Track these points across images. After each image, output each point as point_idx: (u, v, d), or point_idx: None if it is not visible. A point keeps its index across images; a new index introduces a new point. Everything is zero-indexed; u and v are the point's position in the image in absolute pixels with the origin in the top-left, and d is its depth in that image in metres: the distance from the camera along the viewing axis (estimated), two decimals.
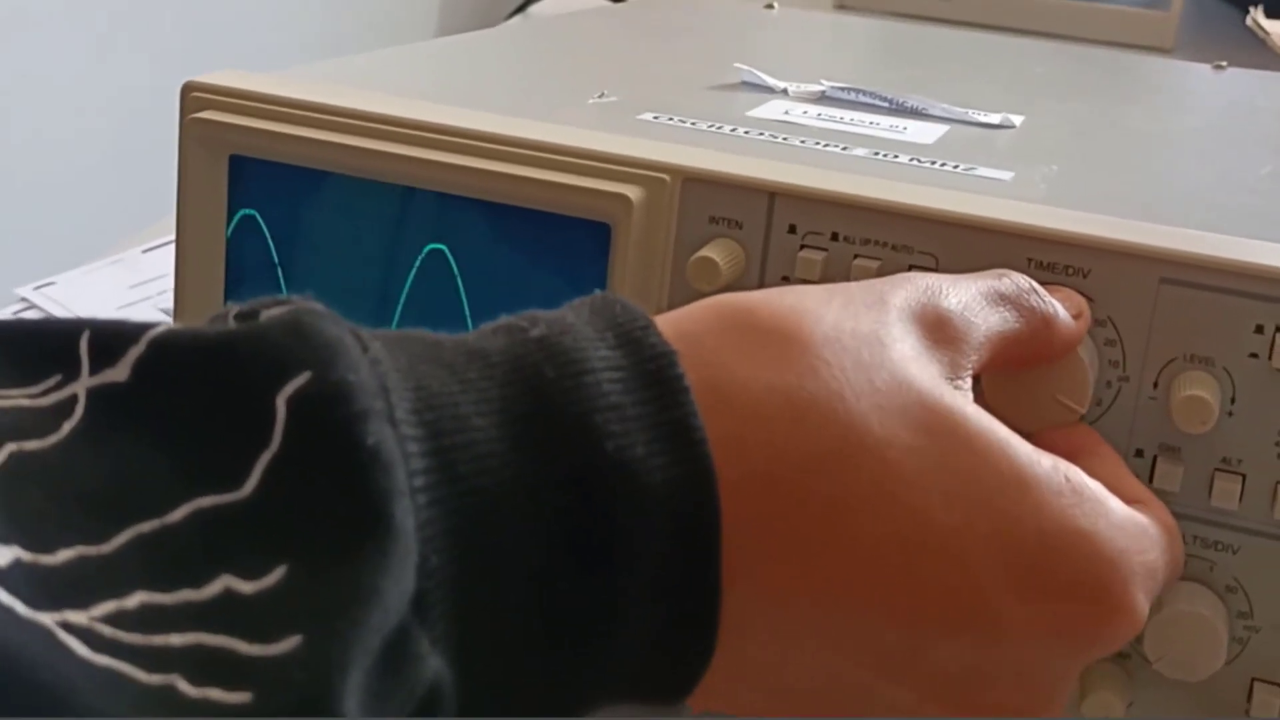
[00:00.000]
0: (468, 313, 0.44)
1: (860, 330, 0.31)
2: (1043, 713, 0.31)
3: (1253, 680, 0.39)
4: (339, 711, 0.21)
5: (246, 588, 0.22)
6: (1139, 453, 0.39)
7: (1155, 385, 0.38)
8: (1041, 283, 0.37)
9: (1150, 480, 0.38)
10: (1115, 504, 0.32)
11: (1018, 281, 0.35)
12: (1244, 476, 0.38)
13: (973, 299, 0.34)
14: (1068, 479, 0.31)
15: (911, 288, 0.33)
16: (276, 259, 0.46)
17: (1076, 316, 0.37)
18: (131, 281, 0.81)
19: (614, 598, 0.27)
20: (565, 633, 0.26)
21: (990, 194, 0.41)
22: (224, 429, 0.23)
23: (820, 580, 0.29)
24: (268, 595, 0.22)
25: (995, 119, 0.52)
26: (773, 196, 0.41)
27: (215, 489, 0.22)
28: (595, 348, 0.28)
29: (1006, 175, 0.45)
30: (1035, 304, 0.35)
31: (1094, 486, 0.31)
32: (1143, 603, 0.31)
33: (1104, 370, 0.38)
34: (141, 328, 0.24)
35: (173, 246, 0.48)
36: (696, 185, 0.41)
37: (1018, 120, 0.53)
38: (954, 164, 0.45)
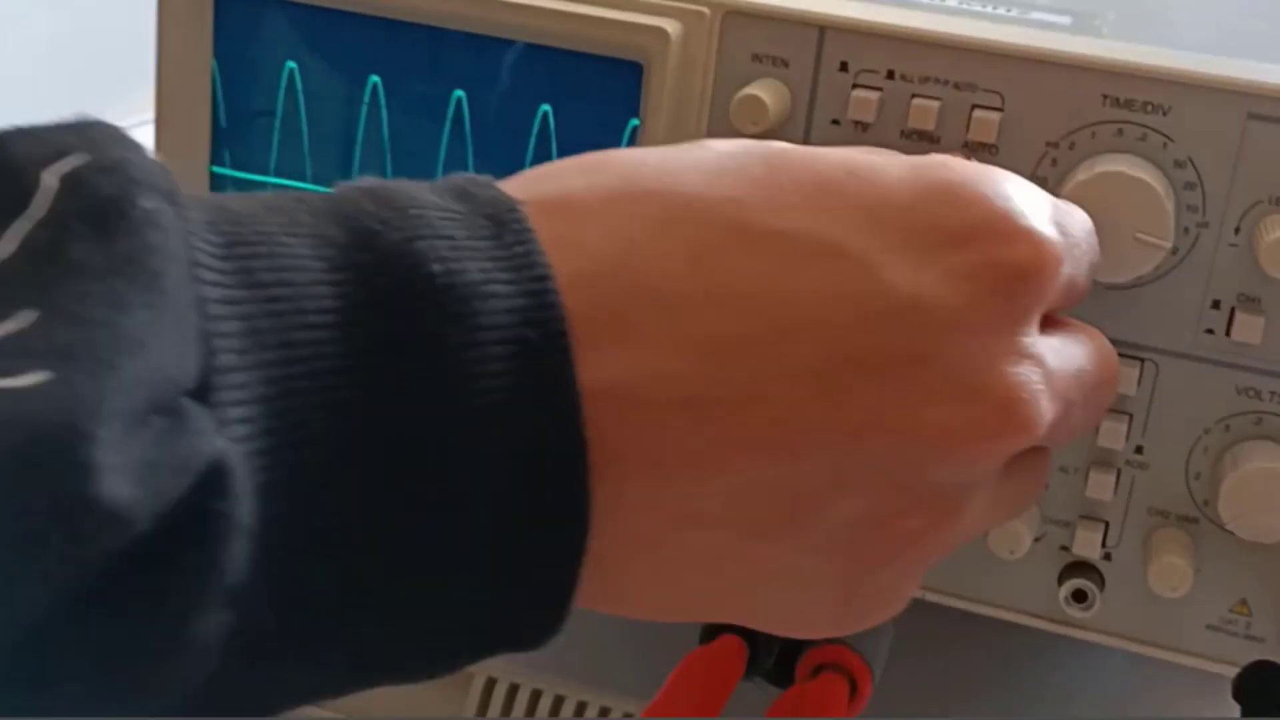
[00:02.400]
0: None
1: (673, 146, 0.30)
2: (1008, 398, 0.27)
3: None
4: (90, 457, 0.19)
5: None
6: (1215, 303, 0.36)
7: (1237, 231, 0.36)
8: (1118, 122, 0.34)
9: (1228, 333, 0.36)
10: (995, 168, 0.30)
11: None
12: None
13: None
14: (927, 159, 0.29)
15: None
16: (278, 108, 0.42)
17: None
18: None
19: (452, 430, 0.24)
20: (392, 464, 0.24)
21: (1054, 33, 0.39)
22: None
23: (705, 330, 0.26)
24: (14, 337, 0.20)
25: None
26: (823, 31, 0.38)
27: None
28: (426, 194, 0.26)
29: (1064, 19, 0.42)
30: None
31: (962, 160, 0.30)
32: (1049, 230, 0.28)
33: (1181, 216, 0.36)
34: None
35: (150, 126, 0.44)
36: (738, 19, 0.38)
37: None
38: (1006, 8, 0.42)
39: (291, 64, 0.41)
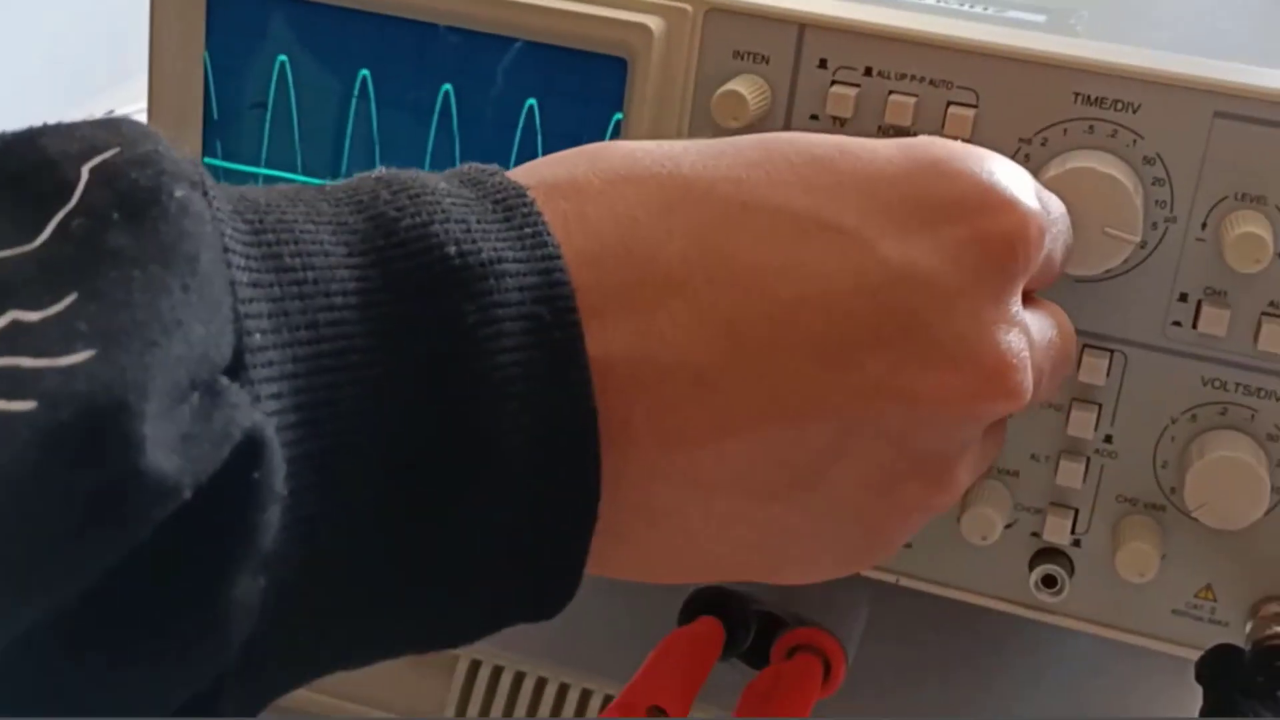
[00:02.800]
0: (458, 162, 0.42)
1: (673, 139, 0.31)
2: (1002, 364, 0.29)
3: None
4: (133, 430, 0.20)
5: (33, 316, 0.21)
6: (1183, 296, 0.37)
7: (1204, 226, 0.37)
8: (1089, 119, 0.35)
9: (1194, 325, 0.37)
10: (980, 148, 0.31)
11: None
12: None
13: None
14: (916, 139, 0.31)
15: None
16: (269, 100, 0.43)
17: None
18: None
19: (469, 403, 0.25)
20: (415, 437, 0.25)
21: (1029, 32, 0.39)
22: (22, 200, 0.22)
23: (709, 307, 0.27)
24: (55, 319, 0.21)
25: None
26: (802, 28, 0.38)
27: (8, 245, 0.22)
28: (438, 182, 0.27)
29: (1039, 18, 0.43)
30: None
31: (949, 140, 0.31)
32: (1033, 202, 0.30)
33: (1150, 211, 0.37)
34: None
35: (143, 115, 0.45)
36: (720, 16, 0.39)
37: None
38: (983, 6, 0.43)
39: (283, 57, 0.42)
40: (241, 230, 0.24)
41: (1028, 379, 0.29)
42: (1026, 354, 0.29)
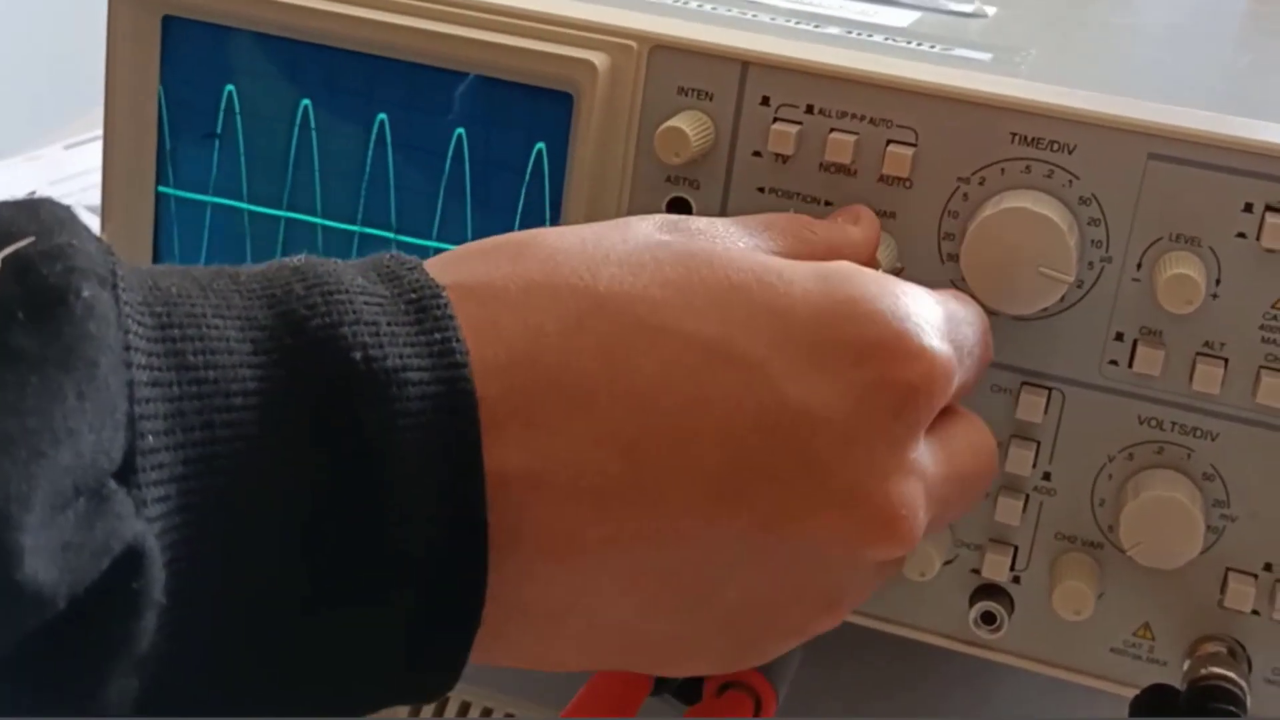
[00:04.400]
0: (392, 191, 0.42)
1: (600, 229, 0.31)
2: (892, 514, 0.29)
3: (1227, 570, 0.38)
4: (13, 542, 0.20)
5: None
6: (1119, 336, 0.37)
7: (1139, 266, 0.37)
8: (1025, 159, 0.35)
9: (1130, 364, 0.37)
10: (897, 282, 0.31)
11: (775, 214, 0.35)
12: (1226, 361, 0.37)
13: (723, 221, 0.33)
14: (835, 269, 0.30)
15: (657, 215, 0.33)
16: (217, 130, 0.43)
17: (858, 221, 0.37)
18: (52, 178, 0.77)
19: (364, 508, 0.25)
20: (307, 540, 0.25)
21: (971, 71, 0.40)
22: None
23: (610, 428, 0.27)
24: None
25: (969, 7, 0.50)
26: (745, 66, 0.39)
27: None
28: (353, 277, 0.27)
29: (985, 57, 0.43)
30: (793, 220, 0.35)
31: (868, 272, 0.31)
32: (944, 347, 0.30)
33: (1086, 250, 0.37)
34: None
35: (98, 144, 0.45)
36: (665, 53, 0.39)
37: (990, 10, 0.51)
38: (930, 44, 0.43)
39: (230, 87, 0.42)
40: (147, 325, 0.24)
41: (916, 526, 0.30)
42: (919, 501, 0.30)
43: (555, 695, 0.40)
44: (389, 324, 0.26)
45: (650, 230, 0.31)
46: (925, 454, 0.30)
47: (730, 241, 0.32)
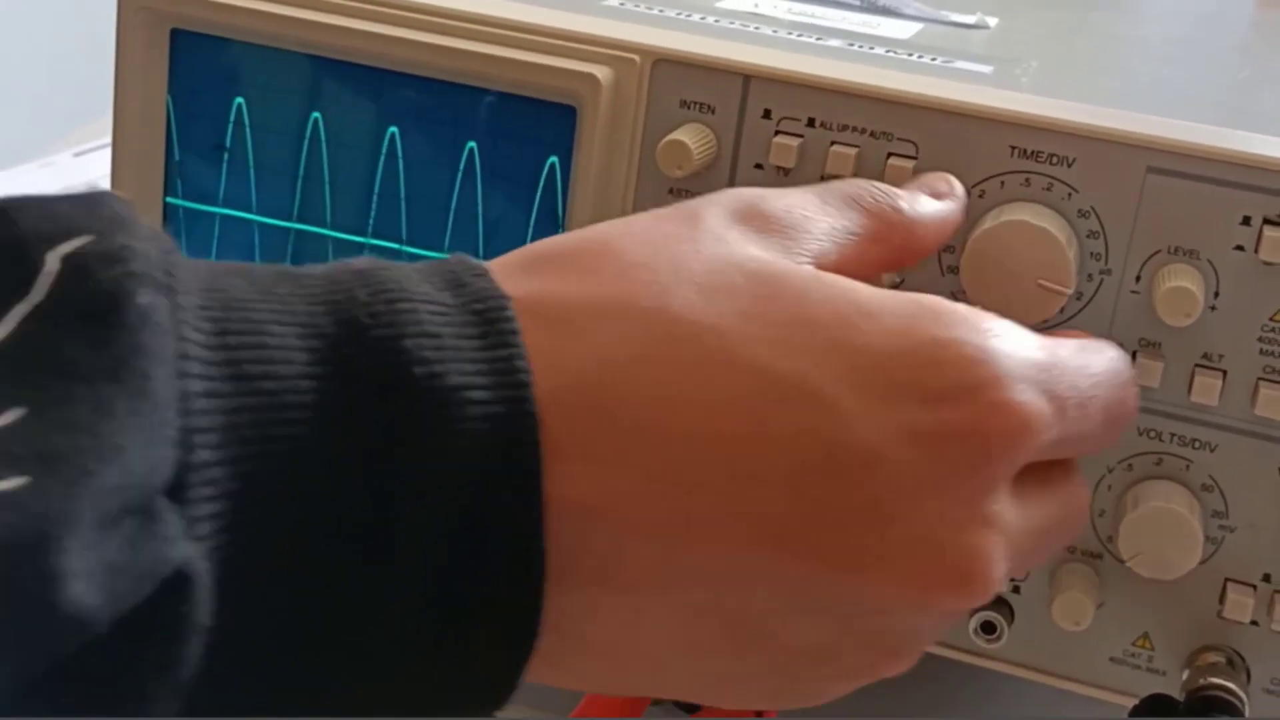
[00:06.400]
0: (403, 203, 0.42)
1: (672, 232, 0.29)
2: (966, 568, 0.27)
3: (1226, 580, 0.38)
4: (56, 565, 0.20)
5: None
6: None
7: (1137, 279, 0.37)
8: (1025, 172, 0.36)
9: None
10: (992, 323, 0.29)
11: (856, 182, 0.34)
12: (1225, 373, 0.37)
13: (801, 199, 0.32)
14: (922, 304, 0.29)
15: (728, 195, 0.31)
16: (226, 142, 0.44)
17: (943, 196, 0.35)
18: (61, 186, 0.78)
19: (420, 530, 0.25)
20: (359, 560, 0.24)
21: (971, 84, 0.40)
22: None
23: (672, 463, 0.26)
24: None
25: (970, 19, 0.51)
26: (747, 79, 0.39)
27: None
28: (418, 284, 0.26)
29: (986, 69, 0.43)
30: (879, 198, 0.33)
31: (960, 309, 0.29)
32: (1032, 399, 0.28)
33: (1085, 263, 0.37)
34: None
35: (108, 150, 0.46)
36: (667, 67, 0.40)
37: (992, 21, 0.51)
38: (931, 56, 0.44)
39: (239, 100, 0.43)
40: (205, 331, 0.24)
41: (991, 580, 0.28)
42: (995, 554, 0.28)
43: (560, 700, 0.41)
44: (453, 335, 0.25)
45: (723, 230, 0.30)
46: (1009, 506, 0.28)
47: (811, 242, 0.31)
